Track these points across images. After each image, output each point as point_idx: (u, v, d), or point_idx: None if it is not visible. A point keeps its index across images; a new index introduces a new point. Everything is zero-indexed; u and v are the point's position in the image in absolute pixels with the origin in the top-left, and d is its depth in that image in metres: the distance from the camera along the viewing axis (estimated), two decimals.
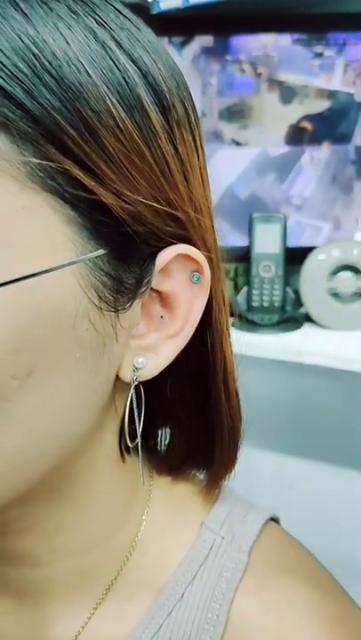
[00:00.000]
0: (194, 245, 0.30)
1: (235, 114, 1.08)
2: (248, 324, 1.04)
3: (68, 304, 0.25)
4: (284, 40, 1.04)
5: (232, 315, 1.08)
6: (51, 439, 0.27)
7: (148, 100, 0.27)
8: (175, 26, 1.03)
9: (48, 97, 0.24)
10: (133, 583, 0.35)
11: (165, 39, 1.05)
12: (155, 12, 0.98)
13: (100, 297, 0.26)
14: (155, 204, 0.27)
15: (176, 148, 0.28)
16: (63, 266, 0.24)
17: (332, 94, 1.05)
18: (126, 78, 0.26)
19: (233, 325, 1.08)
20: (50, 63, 0.24)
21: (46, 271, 0.24)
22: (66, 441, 0.28)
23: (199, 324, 0.31)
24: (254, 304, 1.03)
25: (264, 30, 1.03)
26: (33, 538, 0.33)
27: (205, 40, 1.05)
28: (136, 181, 0.26)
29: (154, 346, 0.29)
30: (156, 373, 0.30)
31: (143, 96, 0.26)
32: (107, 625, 0.35)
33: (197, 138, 0.30)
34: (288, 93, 1.06)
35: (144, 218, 0.27)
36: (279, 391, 1.21)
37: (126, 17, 0.27)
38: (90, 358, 0.27)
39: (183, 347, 0.30)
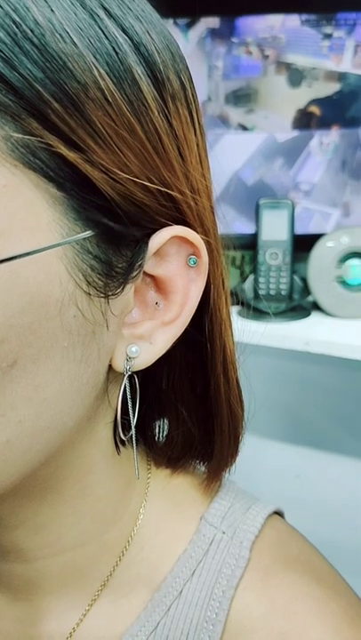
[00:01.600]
0: (190, 227, 0.28)
1: (241, 98, 1.05)
2: (255, 312, 1.02)
3: (53, 289, 0.24)
4: (293, 21, 1.01)
5: (239, 303, 1.07)
6: (39, 431, 0.26)
7: (139, 71, 0.25)
8: (180, 7, 1.01)
9: (29, 67, 0.22)
10: (130, 579, 0.34)
11: (170, 21, 1.03)
12: None
13: (88, 282, 0.25)
14: (146, 183, 0.26)
15: (170, 123, 0.27)
16: (46, 248, 0.23)
17: (341, 76, 1.03)
18: (116, 48, 0.24)
19: (239, 314, 1.07)
20: (32, 31, 0.22)
21: (28, 254, 0.22)
22: (56, 433, 0.27)
23: (197, 311, 0.30)
24: (261, 292, 1.01)
25: (272, 11, 1.01)
26: (25, 533, 0.32)
27: (211, 22, 1.02)
28: (126, 158, 0.25)
29: (148, 334, 0.28)
30: (150, 363, 0.28)
31: (134, 67, 0.25)
32: (102, 622, 0.34)
33: (195, 113, 0.29)
34: (296, 76, 1.04)
35: (135, 197, 0.25)
36: (287, 380, 1.20)
37: None
38: (78, 347, 0.26)
39: (180, 335, 0.29)
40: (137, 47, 0.25)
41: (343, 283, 0.98)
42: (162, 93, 0.26)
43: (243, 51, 1.04)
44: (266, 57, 1.04)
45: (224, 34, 1.03)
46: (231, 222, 1.09)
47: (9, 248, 0.22)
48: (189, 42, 1.03)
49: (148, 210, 0.26)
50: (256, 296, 1.02)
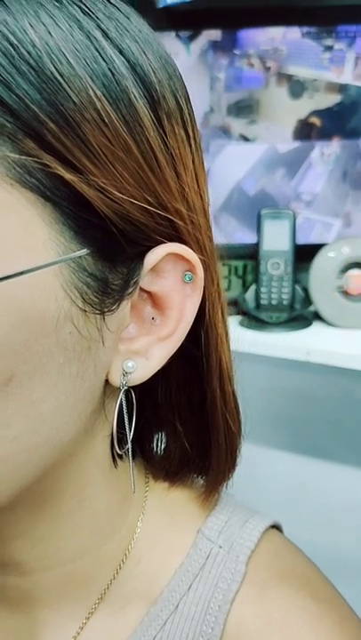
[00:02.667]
0: (186, 244, 0.29)
1: (243, 109, 1.06)
2: (256, 322, 1.02)
3: (49, 307, 0.24)
4: (294, 33, 1.02)
5: (240, 312, 1.07)
6: (35, 447, 0.26)
7: (135, 91, 0.25)
8: (182, 20, 1.02)
9: (26, 88, 0.23)
10: (126, 593, 0.34)
11: (172, 33, 1.03)
12: (161, 5, 0.97)
13: (83, 299, 0.25)
14: (142, 202, 0.26)
15: (166, 142, 0.27)
16: (42, 267, 0.23)
17: (342, 88, 1.03)
18: (112, 69, 0.25)
19: (241, 323, 1.07)
20: (29, 53, 0.23)
21: (24, 272, 0.23)
22: (52, 448, 0.27)
23: (193, 326, 0.30)
24: (263, 302, 1.01)
25: (273, 24, 1.01)
26: (23, 545, 0.32)
27: (213, 34, 1.03)
28: (122, 177, 0.25)
29: (144, 349, 0.28)
30: (146, 378, 0.29)
31: (130, 88, 0.25)
32: (99, 635, 0.34)
33: (191, 132, 0.29)
34: (297, 88, 1.05)
35: (131, 215, 0.26)
36: (290, 389, 1.20)
37: (115, 6, 0.26)
38: (74, 363, 0.26)
39: (176, 350, 0.29)
40: (133, 68, 0.25)
41: (345, 293, 0.98)
42: (157, 113, 0.26)
43: (244, 63, 1.04)
44: (267, 69, 1.04)
45: (226, 46, 1.04)
46: (233, 232, 1.09)
47: (5, 266, 0.23)
48: (191, 54, 1.04)
49: (143, 228, 0.27)
50: (258, 306, 1.02)
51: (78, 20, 0.24)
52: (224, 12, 1.01)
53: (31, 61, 0.23)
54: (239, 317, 1.07)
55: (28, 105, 0.23)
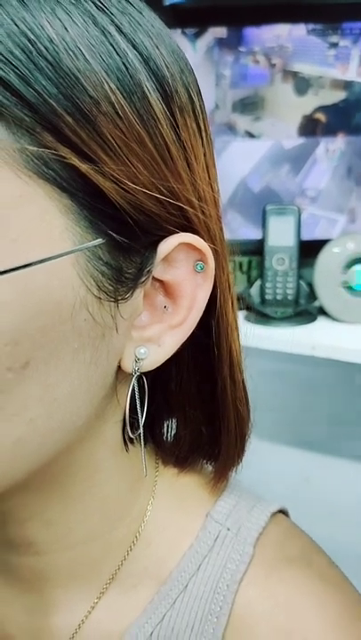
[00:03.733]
0: (198, 234, 0.29)
1: (248, 105, 1.07)
2: (261, 317, 1.03)
3: (66, 295, 0.25)
4: (299, 30, 1.03)
5: (245, 308, 1.08)
6: (50, 430, 0.27)
7: (148, 85, 0.26)
8: (188, 17, 1.02)
9: (44, 83, 0.23)
10: (137, 574, 0.35)
11: (178, 31, 1.04)
12: (167, 3, 0.97)
13: (98, 287, 0.26)
14: (155, 192, 0.27)
15: (178, 135, 0.28)
16: (59, 255, 0.24)
17: (347, 85, 1.04)
18: (126, 64, 0.25)
19: (246, 318, 1.07)
20: (46, 49, 0.24)
21: (42, 261, 0.24)
22: (65, 432, 0.28)
23: (204, 315, 0.31)
24: (268, 297, 1.02)
25: (278, 21, 1.02)
26: (35, 527, 0.33)
27: (219, 31, 1.04)
28: (136, 169, 0.26)
29: (157, 336, 0.29)
30: (158, 364, 0.29)
31: (144, 81, 0.26)
32: (110, 614, 0.35)
33: (202, 124, 0.30)
34: (303, 84, 1.05)
35: (144, 206, 0.27)
36: (294, 384, 1.21)
37: (128, 1, 0.27)
38: (88, 349, 0.27)
39: (187, 337, 0.30)
40: (146, 62, 0.26)
41: (349, 288, 0.99)
42: (170, 106, 0.27)
43: (250, 60, 1.05)
44: (273, 66, 1.05)
45: (231, 43, 1.04)
46: (238, 228, 1.10)
47: (24, 255, 0.23)
48: (197, 51, 1.05)
49: (156, 218, 0.27)
50: (263, 301, 1.03)
51: (93, 16, 0.25)
52: (230, 9, 1.02)
53: (49, 57, 0.24)
54: (244, 312, 1.08)
55: (45, 99, 0.23)
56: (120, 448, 0.33)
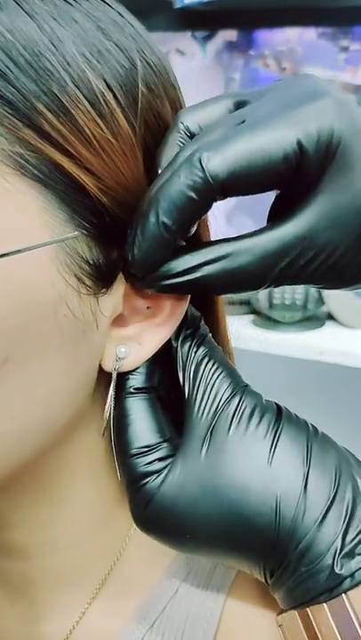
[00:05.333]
0: None
1: None
2: (269, 321, 1.03)
3: (45, 290, 0.25)
4: (309, 34, 1.02)
5: (253, 312, 1.08)
6: (31, 428, 0.27)
7: (132, 82, 0.26)
8: (198, 20, 1.02)
9: (23, 81, 0.24)
10: (127, 578, 0.34)
11: (188, 33, 1.04)
12: (178, 5, 0.97)
13: (78, 281, 0.26)
14: (136, 189, 0.27)
15: (162, 133, 0.28)
16: (37, 246, 0.24)
17: (358, 89, 1.03)
18: (109, 62, 0.26)
19: (254, 323, 1.07)
20: (24, 48, 0.24)
21: (19, 251, 0.24)
22: (47, 429, 0.28)
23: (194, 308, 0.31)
24: (276, 302, 1.02)
25: (289, 24, 1.02)
26: (25, 531, 0.33)
27: (229, 34, 1.04)
28: (117, 165, 0.26)
29: (137, 335, 0.29)
30: (139, 364, 0.29)
31: (127, 78, 0.26)
32: (101, 620, 0.34)
33: None
34: None
35: (125, 202, 0.26)
36: (302, 389, 1.20)
37: (109, 5, 0.28)
38: (69, 346, 0.26)
39: (169, 336, 0.29)
40: (131, 60, 0.27)
41: (358, 294, 0.98)
42: (156, 105, 0.27)
43: (260, 63, 1.05)
44: (283, 69, 1.05)
45: (242, 46, 1.04)
46: (247, 231, 1.10)
47: (3, 246, 0.24)
48: (207, 54, 1.05)
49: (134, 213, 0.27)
50: (271, 305, 1.03)
51: (73, 17, 0.26)
52: (240, 12, 1.02)
53: (27, 56, 0.24)
54: (252, 317, 1.08)
55: (25, 96, 0.24)
56: (108, 451, 0.32)
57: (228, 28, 1.03)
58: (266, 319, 1.04)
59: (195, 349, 0.29)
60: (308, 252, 0.25)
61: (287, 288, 1.01)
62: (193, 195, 0.24)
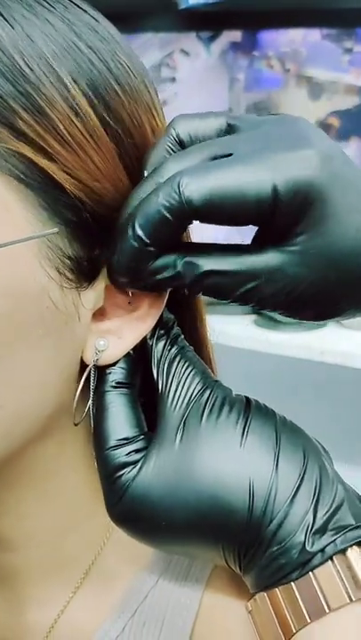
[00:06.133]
0: None
1: (262, 110, 1.07)
2: (271, 321, 1.03)
3: (28, 282, 0.26)
4: (314, 35, 1.03)
5: (255, 312, 1.08)
6: (18, 417, 0.27)
7: (107, 83, 0.27)
8: (203, 21, 1.03)
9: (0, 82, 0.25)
10: (110, 569, 0.35)
11: (193, 34, 1.04)
12: (183, 6, 0.98)
13: (60, 275, 0.27)
14: (112, 186, 0.27)
15: (137, 130, 0.29)
16: (18, 241, 0.25)
17: None
18: (83, 63, 0.27)
19: (256, 323, 1.07)
20: (2, 50, 0.25)
21: (0, 246, 0.25)
22: (34, 420, 0.28)
23: (173, 307, 0.31)
24: None
25: (293, 25, 1.02)
26: (10, 522, 0.33)
27: (233, 35, 1.04)
28: (93, 162, 0.27)
29: (117, 329, 0.29)
30: (119, 357, 0.29)
31: (101, 80, 0.27)
32: (84, 610, 0.35)
33: (159, 122, 0.31)
34: (316, 89, 1.05)
35: (103, 199, 0.27)
36: (303, 389, 1.21)
37: (81, 8, 0.29)
38: (53, 336, 0.27)
39: (148, 331, 0.30)
40: (105, 62, 0.27)
41: None
42: (129, 105, 0.28)
43: (264, 64, 1.05)
44: (287, 70, 1.05)
45: (246, 47, 1.04)
46: (249, 230, 1.10)
47: None
48: (212, 54, 1.05)
49: (116, 212, 0.28)
50: None
51: (48, 19, 0.27)
52: (244, 13, 1.02)
53: (4, 58, 0.25)
54: (254, 317, 1.08)
55: (2, 97, 0.25)
56: (89, 442, 0.33)
57: (232, 28, 1.04)
58: (268, 319, 1.04)
59: (168, 347, 0.30)
60: (275, 283, 0.26)
61: None
62: (168, 215, 0.25)
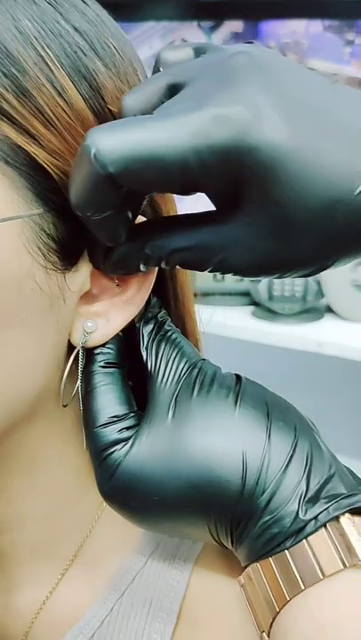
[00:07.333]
0: (143, 213, 0.30)
1: None
2: (269, 313, 1.03)
3: (12, 263, 0.26)
4: (315, 27, 1.02)
5: (253, 303, 1.08)
6: (4, 398, 0.28)
7: (94, 65, 0.27)
8: (205, 10, 1.02)
9: None
10: (99, 550, 0.35)
11: (194, 24, 1.04)
12: None
13: (44, 257, 0.27)
14: None
15: None
16: (1, 220, 0.25)
17: None
18: (70, 44, 0.27)
19: (254, 314, 1.08)
20: None
21: None
22: (22, 400, 0.29)
23: (161, 291, 0.31)
24: (275, 293, 1.02)
25: (295, 16, 1.02)
26: None
27: (235, 25, 1.04)
28: (78, 144, 0.26)
29: (105, 311, 0.29)
30: (107, 339, 0.29)
31: (89, 62, 0.27)
32: (73, 591, 0.35)
33: None
34: None
35: None
36: (300, 381, 1.21)
37: None
38: (38, 318, 0.27)
39: (137, 313, 0.30)
40: (92, 45, 0.27)
41: (357, 286, 0.99)
42: (115, 88, 0.28)
43: None
44: None
45: (247, 38, 1.04)
46: None
47: None
48: None
49: None
50: (270, 297, 1.03)
51: (34, 1, 0.26)
52: (246, 3, 1.02)
53: None
54: (252, 308, 1.08)
55: None
56: (79, 425, 0.33)
57: (234, 18, 1.03)
58: (266, 311, 1.04)
59: (156, 330, 0.30)
60: (241, 254, 0.25)
61: (287, 280, 1.01)
62: (89, 184, 0.23)
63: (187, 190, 0.24)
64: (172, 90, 0.25)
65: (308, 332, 1.00)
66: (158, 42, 1.10)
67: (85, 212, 0.24)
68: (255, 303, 1.07)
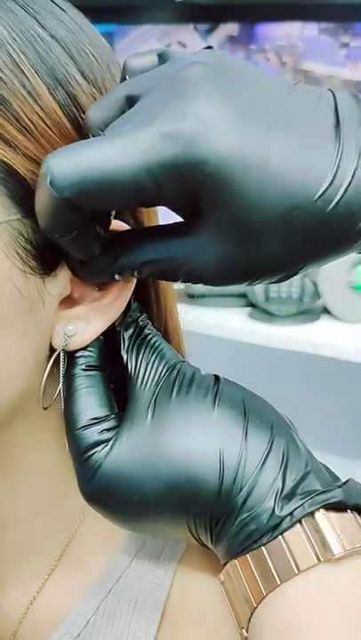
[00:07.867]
0: (125, 218, 0.30)
1: None
2: (265, 314, 1.04)
3: None
4: (311, 29, 1.03)
5: (249, 305, 1.09)
6: None
7: (71, 73, 0.27)
8: (200, 13, 1.03)
9: None
10: (84, 551, 0.35)
11: (190, 26, 1.04)
12: None
13: (23, 261, 0.27)
14: None
15: None
16: None
17: (358, 85, 1.04)
18: (47, 51, 0.27)
19: (250, 316, 1.08)
20: None
21: None
22: (4, 402, 0.29)
23: (142, 294, 0.32)
24: (272, 294, 1.03)
25: (290, 19, 1.02)
26: None
27: (231, 28, 1.04)
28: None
29: (85, 315, 0.30)
30: (88, 342, 0.30)
31: (64, 69, 0.27)
32: (60, 591, 0.35)
33: None
34: (313, 84, 1.05)
35: None
36: (296, 382, 1.21)
37: (52, 1, 0.29)
38: (18, 321, 0.28)
39: (117, 317, 0.30)
40: (70, 52, 0.28)
41: (353, 288, 0.99)
42: (93, 94, 0.28)
43: (261, 58, 1.05)
44: (284, 64, 1.05)
45: (243, 40, 1.05)
46: None
47: None
48: None
49: None
50: (267, 298, 1.04)
51: (11, 9, 0.27)
52: (242, 6, 1.02)
53: None
54: (248, 309, 1.09)
55: None
56: (61, 423, 0.33)
57: (229, 21, 1.04)
58: (262, 312, 1.05)
59: (137, 333, 0.30)
60: (208, 263, 0.25)
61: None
62: (50, 209, 0.23)
63: (147, 206, 0.25)
64: (130, 101, 0.25)
65: (305, 333, 1.00)
66: (155, 44, 1.10)
67: (53, 235, 0.25)
68: (252, 305, 1.08)
